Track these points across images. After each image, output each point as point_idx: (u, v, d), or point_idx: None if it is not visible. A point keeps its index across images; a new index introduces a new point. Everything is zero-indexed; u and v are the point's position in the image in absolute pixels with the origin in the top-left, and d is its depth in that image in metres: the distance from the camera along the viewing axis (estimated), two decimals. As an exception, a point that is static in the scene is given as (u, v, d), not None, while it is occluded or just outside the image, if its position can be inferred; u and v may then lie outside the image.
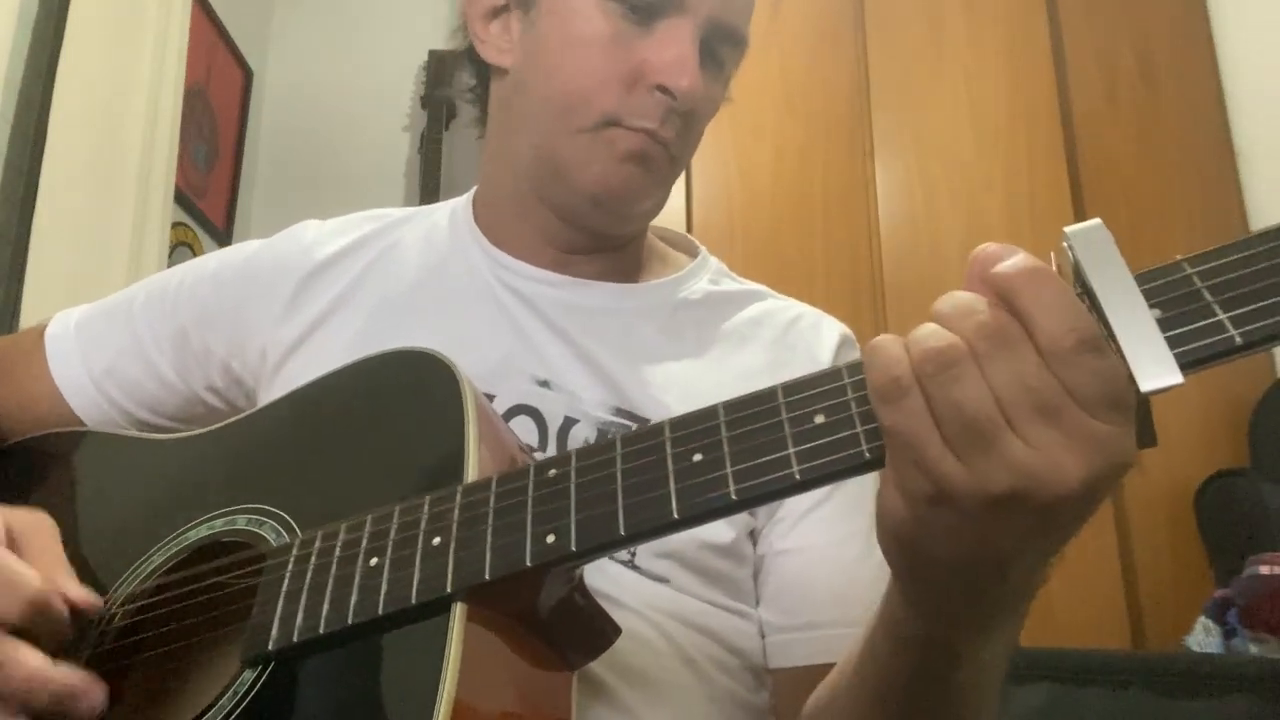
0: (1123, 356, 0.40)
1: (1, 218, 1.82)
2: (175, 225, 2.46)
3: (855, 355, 0.80)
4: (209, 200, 2.74)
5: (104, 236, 2.08)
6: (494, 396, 0.73)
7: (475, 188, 0.88)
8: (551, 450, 0.72)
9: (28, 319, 1.82)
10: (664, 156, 0.75)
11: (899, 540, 0.46)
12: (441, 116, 2.80)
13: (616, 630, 0.56)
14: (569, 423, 0.73)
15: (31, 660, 0.52)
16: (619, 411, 0.73)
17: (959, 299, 0.43)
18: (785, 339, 0.80)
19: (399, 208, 0.90)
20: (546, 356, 0.75)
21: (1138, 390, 0.40)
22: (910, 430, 0.42)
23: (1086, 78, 2.41)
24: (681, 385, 0.75)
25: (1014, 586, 0.47)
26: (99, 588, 0.65)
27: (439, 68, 2.88)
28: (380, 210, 0.89)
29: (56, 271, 1.92)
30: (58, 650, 0.56)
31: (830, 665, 0.66)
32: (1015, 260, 0.42)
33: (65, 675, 0.53)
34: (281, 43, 3.18)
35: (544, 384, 0.74)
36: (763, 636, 0.73)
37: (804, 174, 2.40)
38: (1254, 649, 1.68)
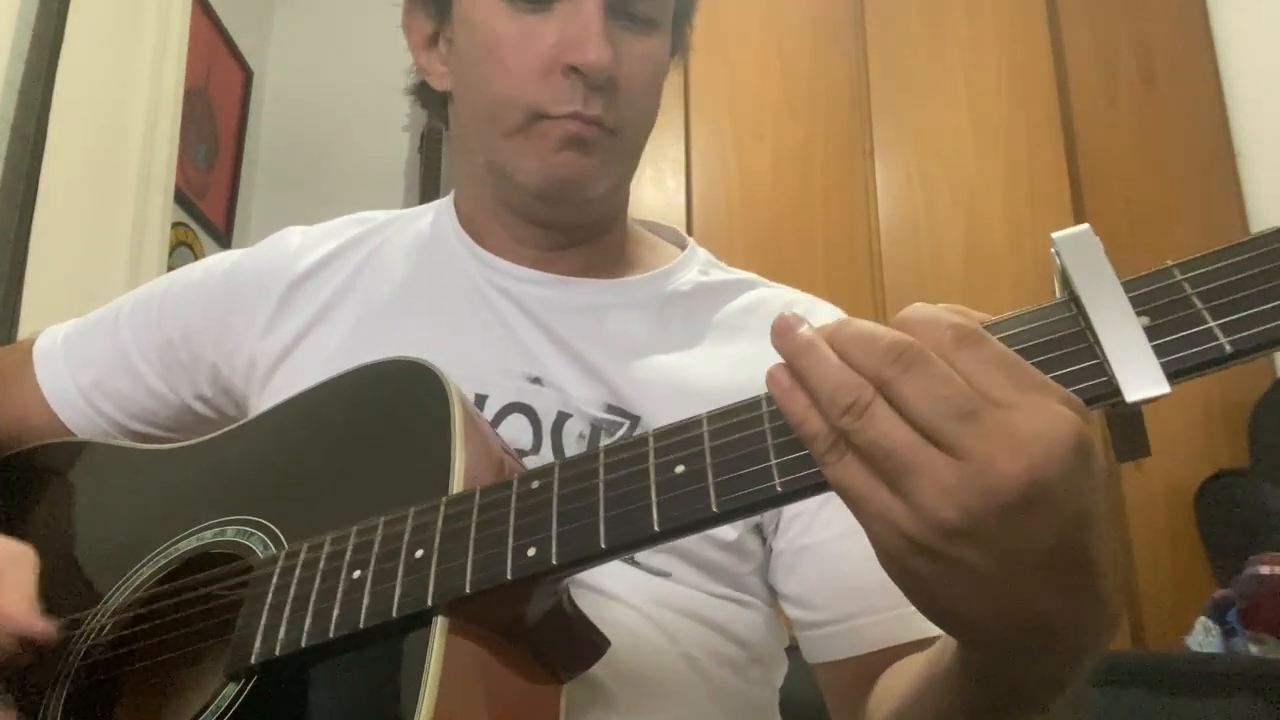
0: (1108, 365, 0.39)
1: (1, 218, 1.82)
2: (175, 225, 2.46)
3: None
4: (209, 200, 2.74)
5: (104, 236, 2.08)
6: (486, 396, 0.73)
7: (454, 190, 0.88)
8: (546, 447, 0.72)
9: (28, 319, 1.82)
10: (600, 134, 0.73)
11: (918, 599, 0.44)
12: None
13: (606, 642, 0.55)
14: (562, 418, 0.73)
15: None
16: (610, 409, 0.73)
17: (859, 329, 0.42)
18: None
19: (383, 210, 0.90)
20: (537, 355, 0.75)
21: (1124, 401, 0.38)
22: (850, 481, 0.41)
23: (1086, 78, 2.41)
24: (672, 379, 0.74)
25: (1055, 630, 0.43)
26: (91, 598, 0.65)
27: (439, 68, 2.88)
28: (365, 214, 0.89)
29: (56, 271, 1.92)
30: (10, 678, 0.58)
31: (873, 652, 0.67)
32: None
33: None
34: (281, 43, 3.18)
35: (536, 380, 0.74)
36: (773, 629, 0.73)
37: (804, 174, 2.40)
38: (1254, 649, 1.68)
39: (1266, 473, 1.98)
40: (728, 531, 0.70)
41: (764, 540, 0.74)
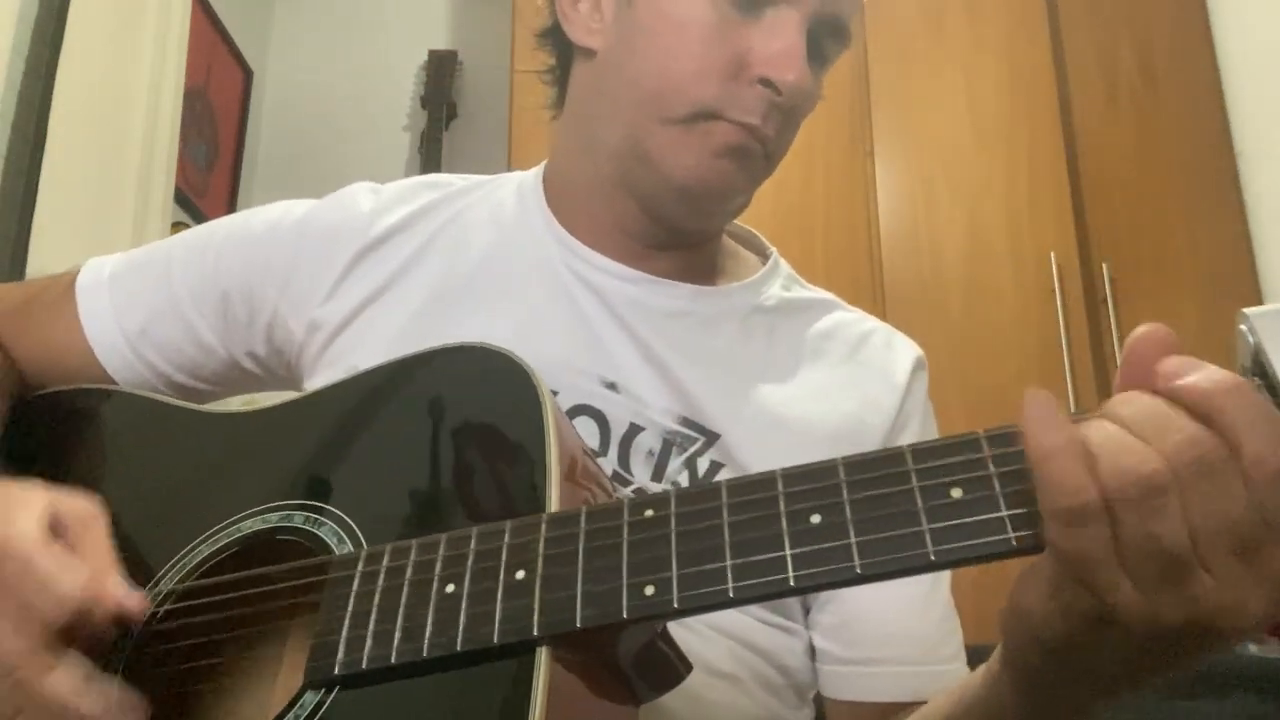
0: None
1: (1, 218, 1.82)
2: (175, 225, 2.46)
3: (926, 379, 0.78)
4: (209, 200, 2.74)
5: (104, 236, 2.08)
6: (556, 393, 0.69)
7: (544, 164, 0.83)
8: (612, 456, 0.69)
9: (28, 319, 1.82)
10: (760, 153, 0.71)
11: (1046, 650, 0.44)
12: (441, 116, 2.80)
13: (689, 667, 0.53)
14: (634, 430, 0.70)
15: (62, 686, 0.50)
16: (686, 421, 0.70)
17: (1153, 410, 0.39)
18: (857, 356, 0.78)
19: (459, 175, 0.85)
20: (615, 357, 0.72)
21: None
22: (1090, 555, 0.38)
23: (1086, 78, 2.41)
24: (752, 399, 0.72)
25: (1142, 687, 0.45)
26: (140, 572, 0.61)
27: (439, 68, 2.88)
28: (440, 176, 0.85)
29: (56, 271, 1.92)
30: (95, 653, 0.53)
31: (891, 703, 0.66)
32: (1213, 375, 0.38)
33: (93, 705, 0.50)
34: (281, 43, 3.18)
35: (611, 386, 0.71)
36: (812, 657, 0.72)
37: (804, 174, 2.40)
38: (1254, 649, 1.68)
39: (1266, 473, 1.98)
40: None
41: None
